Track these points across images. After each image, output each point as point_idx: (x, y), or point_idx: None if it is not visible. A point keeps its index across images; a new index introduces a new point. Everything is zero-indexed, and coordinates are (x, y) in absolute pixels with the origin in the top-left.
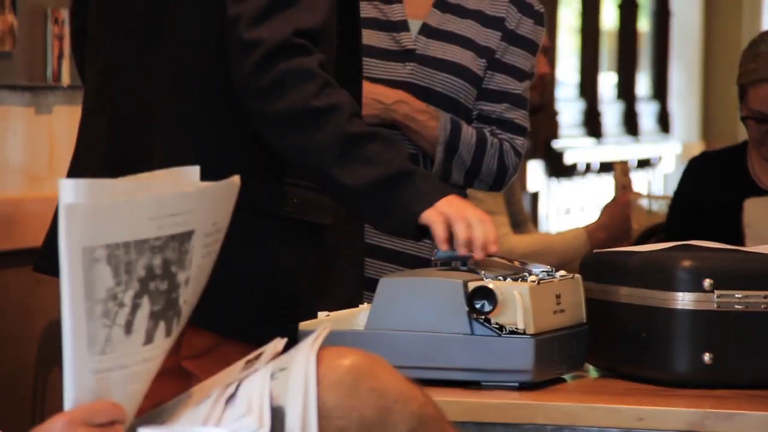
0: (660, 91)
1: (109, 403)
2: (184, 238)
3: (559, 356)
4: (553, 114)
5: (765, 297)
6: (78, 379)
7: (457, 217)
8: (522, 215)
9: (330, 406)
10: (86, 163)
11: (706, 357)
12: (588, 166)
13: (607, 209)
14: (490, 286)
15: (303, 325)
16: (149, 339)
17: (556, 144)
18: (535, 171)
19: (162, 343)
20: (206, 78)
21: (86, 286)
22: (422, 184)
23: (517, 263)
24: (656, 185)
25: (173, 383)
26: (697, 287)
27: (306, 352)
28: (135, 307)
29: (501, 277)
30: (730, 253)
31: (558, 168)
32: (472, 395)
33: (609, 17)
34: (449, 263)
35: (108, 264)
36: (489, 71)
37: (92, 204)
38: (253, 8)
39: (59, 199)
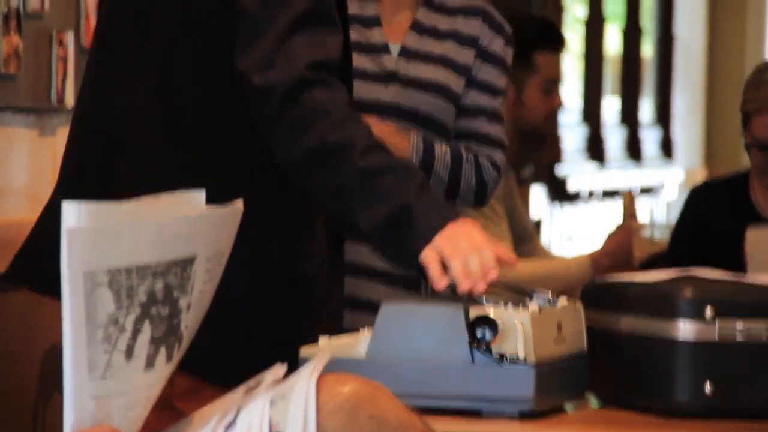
0: (663, 117)
1: (108, 428)
2: (187, 263)
3: (560, 385)
4: (556, 139)
5: (767, 328)
6: (78, 403)
7: (453, 255)
8: (528, 230)
9: None
10: (67, 181)
11: (708, 387)
12: (591, 192)
13: (612, 237)
14: (492, 314)
15: (304, 351)
16: (150, 364)
17: (560, 169)
18: (538, 196)
19: (163, 369)
20: (197, 103)
21: (87, 310)
22: (422, 218)
23: (518, 289)
24: (659, 213)
25: (168, 415)
26: (698, 316)
27: (306, 379)
28: (136, 332)
29: (502, 304)
30: (733, 282)
31: (561, 194)
32: (473, 424)
33: (613, 42)
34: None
35: (110, 289)
36: (465, 88)
37: (95, 228)
38: (262, 55)
39: (62, 222)
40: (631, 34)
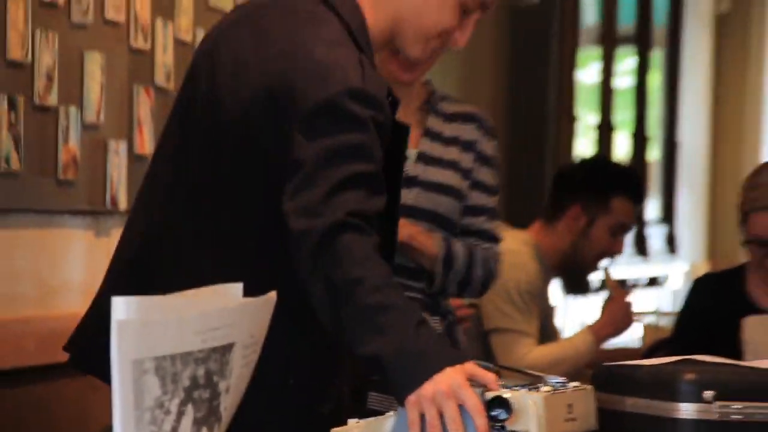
0: (668, 215)
1: None
2: (226, 350)
3: None
4: None
5: (760, 408)
6: None
7: (430, 405)
8: (552, 328)
9: None
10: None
11: None
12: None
13: (607, 307)
14: (506, 395)
15: (335, 431)
16: None
17: None
18: (554, 288)
19: None
20: (240, 226)
21: (135, 395)
22: (412, 365)
23: (533, 375)
24: (664, 303)
25: None
26: (698, 399)
27: None
28: (180, 415)
29: (517, 387)
30: (731, 366)
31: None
32: None
33: (622, 147)
34: None
35: (156, 375)
36: (468, 189)
37: (142, 320)
38: (309, 203)
39: (111, 315)
40: (639, 140)
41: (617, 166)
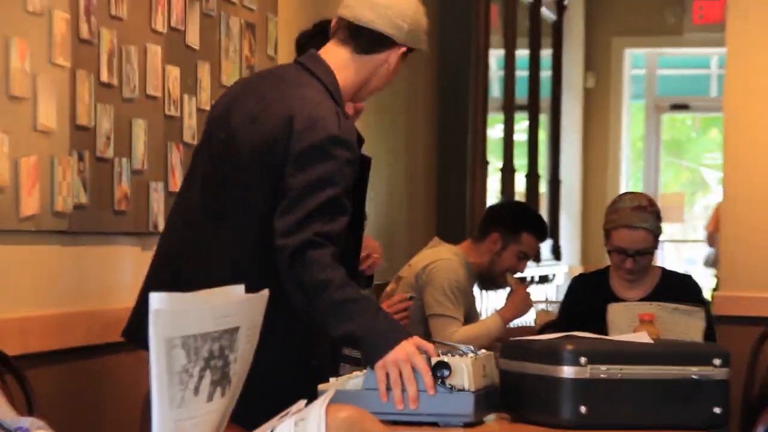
0: (554, 232)
1: None
2: (233, 331)
3: (485, 405)
4: None
5: (620, 369)
6: (162, 426)
7: (393, 368)
8: (474, 314)
9: None
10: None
11: (583, 409)
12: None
13: (511, 297)
14: (447, 360)
15: (320, 387)
16: (210, 398)
17: None
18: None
19: (219, 401)
20: (246, 246)
21: (168, 364)
22: (379, 340)
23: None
24: (552, 294)
25: None
26: (576, 363)
27: (318, 407)
28: (200, 378)
29: (450, 354)
30: (599, 340)
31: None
32: None
33: (520, 184)
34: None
35: (183, 349)
36: None
37: (173, 309)
38: (289, 223)
39: (149, 305)
40: (532, 178)
41: (531, 211)
